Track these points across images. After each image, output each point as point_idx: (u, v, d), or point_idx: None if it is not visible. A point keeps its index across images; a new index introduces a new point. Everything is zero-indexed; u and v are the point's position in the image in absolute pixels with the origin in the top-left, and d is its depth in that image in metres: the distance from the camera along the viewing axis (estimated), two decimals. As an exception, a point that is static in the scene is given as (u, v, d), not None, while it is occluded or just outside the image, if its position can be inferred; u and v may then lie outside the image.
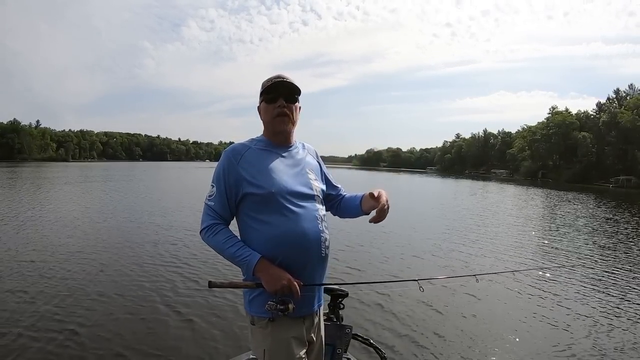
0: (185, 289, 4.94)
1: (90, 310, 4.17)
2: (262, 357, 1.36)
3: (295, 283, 1.32)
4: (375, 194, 1.45)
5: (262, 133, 1.54)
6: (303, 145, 1.60)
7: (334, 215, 1.73)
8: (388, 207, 1.45)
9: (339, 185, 1.72)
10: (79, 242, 7.43)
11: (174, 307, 4.32)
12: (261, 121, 1.53)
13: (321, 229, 1.41)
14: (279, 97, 1.44)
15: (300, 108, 1.52)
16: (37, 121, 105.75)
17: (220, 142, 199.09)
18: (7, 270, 5.42)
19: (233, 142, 1.58)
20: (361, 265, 6.35)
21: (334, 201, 1.69)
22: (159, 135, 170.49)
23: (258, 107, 1.52)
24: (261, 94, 1.48)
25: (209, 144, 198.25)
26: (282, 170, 1.43)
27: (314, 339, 1.47)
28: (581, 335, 3.98)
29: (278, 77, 1.46)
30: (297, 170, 1.48)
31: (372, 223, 1.49)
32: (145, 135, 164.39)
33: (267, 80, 1.47)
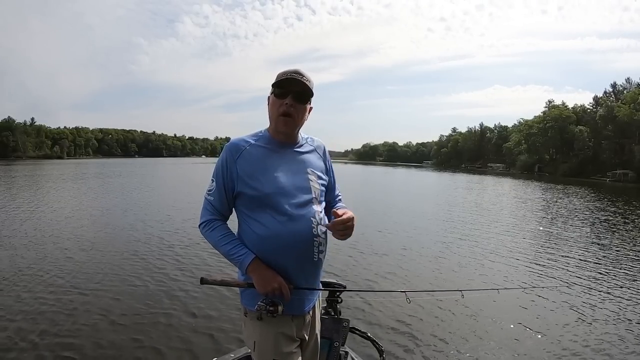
0: (181, 283, 4.94)
1: (85, 305, 4.17)
2: (253, 348, 1.38)
3: (287, 286, 1.31)
4: (340, 213, 1.40)
5: (267, 126, 1.46)
6: (311, 142, 1.51)
7: None
8: (350, 226, 1.38)
9: (338, 192, 1.62)
10: (80, 236, 7.40)
11: (170, 301, 4.33)
12: (267, 112, 1.44)
13: (315, 233, 1.36)
14: (289, 94, 1.35)
15: (311, 109, 1.44)
16: (32, 119, 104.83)
17: (216, 137, 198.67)
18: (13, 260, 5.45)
19: (229, 138, 1.54)
20: (357, 265, 6.26)
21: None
22: (154, 131, 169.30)
23: (268, 97, 1.43)
24: (273, 84, 1.38)
25: (204, 140, 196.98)
26: (280, 171, 1.37)
27: (307, 336, 1.46)
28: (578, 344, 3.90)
29: (294, 72, 1.36)
30: (297, 171, 1.41)
31: (327, 228, 1.40)
32: (141, 131, 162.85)
33: (282, 73, 1.37)
